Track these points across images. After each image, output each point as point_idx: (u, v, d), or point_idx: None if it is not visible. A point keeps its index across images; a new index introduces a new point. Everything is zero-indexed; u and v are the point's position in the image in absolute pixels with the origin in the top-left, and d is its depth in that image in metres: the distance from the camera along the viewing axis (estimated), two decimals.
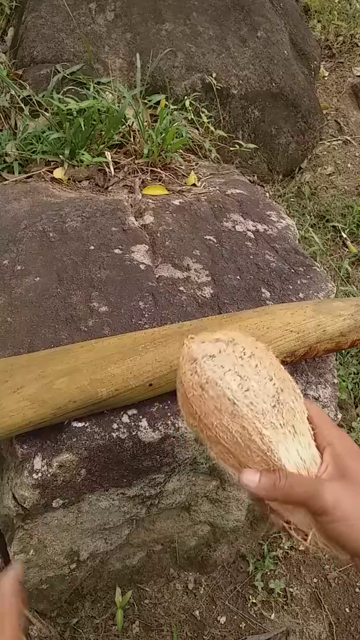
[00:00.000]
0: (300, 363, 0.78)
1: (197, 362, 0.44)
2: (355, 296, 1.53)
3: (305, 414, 0.45)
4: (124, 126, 1.23)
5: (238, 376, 0.42)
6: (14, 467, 0.67)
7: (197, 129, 1.40)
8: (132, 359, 0.64)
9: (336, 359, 1.10)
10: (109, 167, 1.15)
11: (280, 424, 0.42)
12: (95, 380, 0.63)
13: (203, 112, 1.42)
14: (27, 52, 1.37)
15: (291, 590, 1.08)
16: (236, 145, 1.51)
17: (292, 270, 0.90)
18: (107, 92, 1.28)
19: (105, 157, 1.16)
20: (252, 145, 1.54)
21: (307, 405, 0.46)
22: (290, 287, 0.87)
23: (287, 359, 0.68)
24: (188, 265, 0.88)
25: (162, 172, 1.19)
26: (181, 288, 0.83)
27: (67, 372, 0.64)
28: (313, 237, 1.61)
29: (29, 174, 1.13)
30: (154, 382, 0.65)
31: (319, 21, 2.25)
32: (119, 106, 1.21)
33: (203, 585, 1.07)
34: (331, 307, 0.70)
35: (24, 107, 1.23)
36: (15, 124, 1.23)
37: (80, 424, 0.66)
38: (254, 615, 1.05)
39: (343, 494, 0.40)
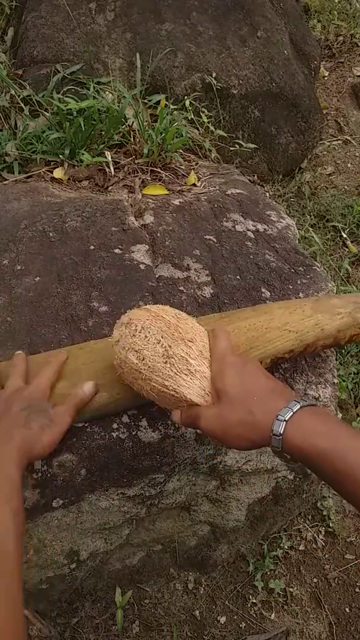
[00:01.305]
0: (300, 363, 0.78)
1: (114, 348, 0.58)
2: None
3: (207, 349, 0.56)
4: (124, 126, 1.23)
5: (134, 351, 0.54)
6: None
7: (197, 128, 1.40)
8: None
9: (336, 359, 1.10)
10: (109, 167, 1.15)
11: (175, 372, 0.53)
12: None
13: (203, 112, 1.42)
14: (27, 52, 1.37)
15: (291, 590, 1.08)
16: (236, 145, 1.51)
17: (292, 270, 0.90)
18: (107, 92, 1.28)
19: (105, 157, 1.16)
20: (252, 145, 1.54)
21: (210, 339, 0.58)
22: (290, 287, 0.87)
23: (285, 355, 0.68)
24: (188, 265, 0.88)
25: (162, 172, 1.19)
26: (181, 288, 0.83)
27: (68, 376, 0.63)
28: (313, 237, 1.61)
29: (29, 174, 1.13)
30: None
31: (319, 21, 2.25)
32: (119, 106, 1.21)
33: (203, 585, 1.07)
34: (329, 305, 0.70)
35: (24, 107, 1.23)
36: (15, 124, 1.23)
37: (80, 424, 0.66)
38: (254, 615, 1.05)
39: (210, 417, 0.52)
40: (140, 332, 0.55)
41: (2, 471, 0.49)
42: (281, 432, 0.47)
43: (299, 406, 0.48)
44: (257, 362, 0.56)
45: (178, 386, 0.53)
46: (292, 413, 0.47)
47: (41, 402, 0.58)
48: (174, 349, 0.54)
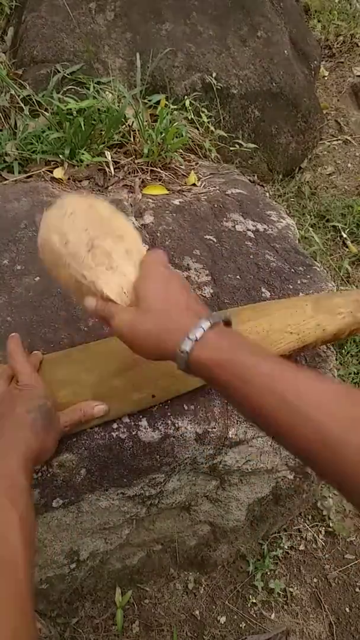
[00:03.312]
0: (300, 363, 0.78)
1: (40, 226, 0.54)
2: None
3: (135, 251, 0.54)
4: (123, 126, 1.23)
5: (59, 233, 0.52)
6: None
7: (197, 128, 1.40)
8: (134, 371, 0.63)
9: (336, 359, 1.10)
10: (108, 167, 1.15)
11: (97, 264, 0.51)
12: (98, 395, 0.63)
13: (203, 112, 1.42)
14: (27, 51, 1.37)
15: (291, 590, 1.08)
16: (236, 145, 1.51)
17: (292, 270, 0.90)
18: (107, 92, 1.28)
19: (105, 157, 1.15)
20: (252, 145, 1.54)
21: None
22: (290, 286, 0.87)
23: (285, 354, 0.68)
24: (188, 264, 0.88)
25: (162, 171, 1.18)
26: None
27: (69, 382, 0.63)
28: (313, 237, 1.61)
29: (28, 174, 1.13)
30: (157, 393, 0.65)
31: (319, 21, 2.25)
32: (118, 106, 1.21)
33: (203, 585, 1.07)
34: (330, 304, 0.70)
35: (23, 106, 1.23)
36: (15, 124, 1.23)
37: None
38: (254, 615, 1.05)
39: (123, 319, 0.51)
40: (69, 216, 0.53)
41: (9, 477, 0.49)
42: (188, 350, 0.47)
43: (208, 325, 0.48)
44: (183, 278, 0.56)
45: (97, 279, 0.51)
46: (201, 332, 0.48)
47: (46, 404, 0.57)
48: (100, 241, 0.52)
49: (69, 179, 1.13)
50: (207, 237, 0.95)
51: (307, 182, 1.88)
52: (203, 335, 0.47)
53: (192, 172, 1.22)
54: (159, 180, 1.17)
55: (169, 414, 0.68)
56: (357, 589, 1.10)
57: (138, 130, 1.22)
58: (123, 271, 0.52)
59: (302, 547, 1.14)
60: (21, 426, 0.53)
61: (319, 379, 0.43)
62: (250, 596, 1.06)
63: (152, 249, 0.57)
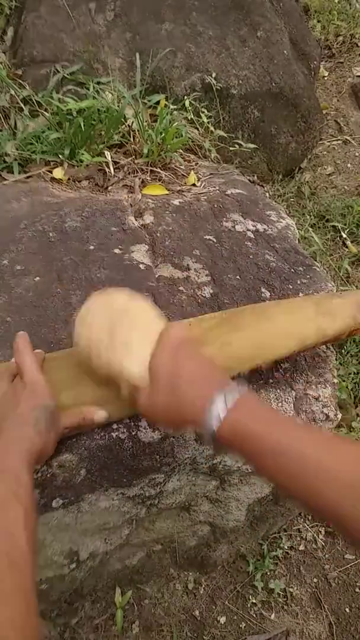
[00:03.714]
0: (300, 363, 0.78)
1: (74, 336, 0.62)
2: None
3: (150, 335, 0.58)
4: (123, 126, 1.23)
5: (84, 338, 0.59)
6: None
7: (197, 128, 1.40)
8: None
9: (336, 359, 1.10)
10: (108, 167, 1.15)
11: (116, 354, 0.57)
12: (99, 397, 0.63)
13: (203, 112, 1.42)
14: (27, 52, 1.37)
15: (291, 590, 1.08)
16: (236, 145, 1.51)
17: (292, 270, 0.90)
18: (106, 92, 1.28)
19: (105, 157, 1.15)
20: (252, 145, 1.54)
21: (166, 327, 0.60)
22: (290, 286, 0.87)
23: (286, 355, 0.68)
24: (188, 265, 0.88)
25: (162, 171, 1.18)
26: (181, 288, 0.83)
27: (70, 384, 0.63)
28: (313, 237, 1.61)
29: (28, 174, 1.13)
30: None
31: (318, 21, 2.25)
32: (118, 106, 1.21)
33: (203, 585, 1.07)
34: (331, 306, 0.70)
35: (23, 107, 1.23)
36: (15, 124, 1.23)
37: None
38: (254, 615, 1.05)
39: (143, 400, 0.54)
40: (90, 325, 0.60)
41: (13, 473, 0.49)
42: (214, 428, 0.47)
43: (223, 398, 0.48)
44: (192, 344, 0.57)
45: (119, 361, 0.56)
46: (224, 408, 0.48)
47: (50, 404, 0.57)
48: (119, 330, 0.57)
49: (68, 179, 1.13)
50: (207, 237, 0.95)
51: (307, 182, 1.88)
52: (227, 410, 0.47)
53: (192, 172, 1.22)
54: (159, 180, 1.17)
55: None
56: (357, 589, 1.10)
57: (138, 131, 1.22)
58: (143, 353, 0.56)
59: (302, 547, 1.14)
60: (25, 424, 0.53)
61: (337, 444, 0.44)
62: (250, 596, 1.06)
63: (169, 326, 0.59)
